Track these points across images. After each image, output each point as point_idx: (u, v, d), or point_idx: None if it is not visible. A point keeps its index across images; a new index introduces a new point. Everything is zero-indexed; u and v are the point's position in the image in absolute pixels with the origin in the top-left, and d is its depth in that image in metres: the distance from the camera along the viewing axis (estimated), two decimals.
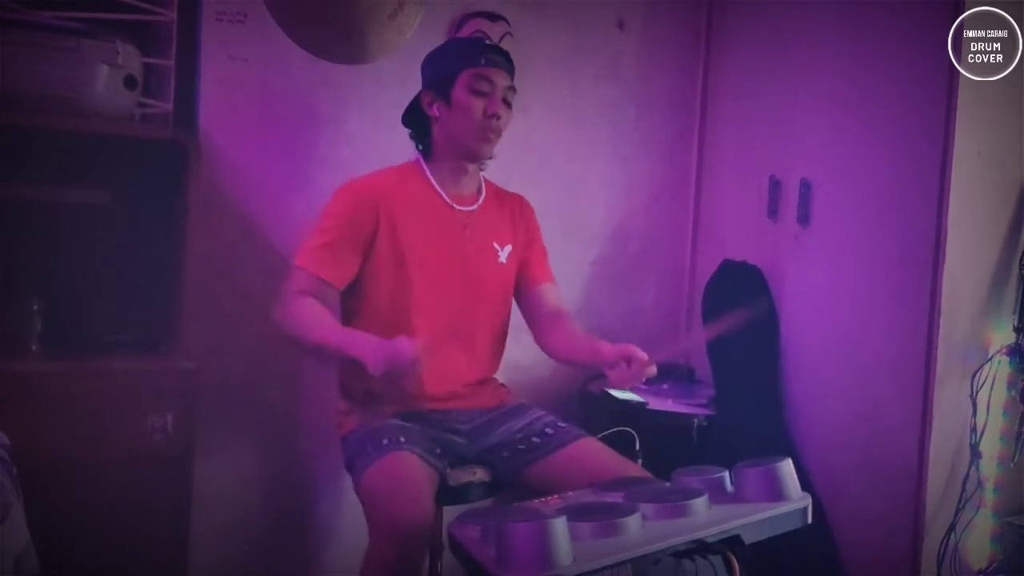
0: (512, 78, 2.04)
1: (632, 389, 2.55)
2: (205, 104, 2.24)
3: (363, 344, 1.80)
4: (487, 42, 2.13)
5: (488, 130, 2.00)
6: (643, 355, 1.86)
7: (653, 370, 1.88)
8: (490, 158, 2.09)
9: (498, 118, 2.00)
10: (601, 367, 1.93)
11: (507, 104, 2.02)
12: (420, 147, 2.09)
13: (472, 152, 2.04)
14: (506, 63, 2.03)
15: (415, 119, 2.08)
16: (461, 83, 1.98)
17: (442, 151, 2.06)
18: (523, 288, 2.16)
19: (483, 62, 1.99)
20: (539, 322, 2.15)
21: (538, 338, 2.15)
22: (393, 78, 2.35)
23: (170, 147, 2.10)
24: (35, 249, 2.12)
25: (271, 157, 2.33)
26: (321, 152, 2.38)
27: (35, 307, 2.04)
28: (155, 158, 2.11)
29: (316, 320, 1.89)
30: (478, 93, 1.98)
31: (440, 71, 2.02)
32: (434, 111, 2.02)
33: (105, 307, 2.15)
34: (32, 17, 1.98)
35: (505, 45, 2.44)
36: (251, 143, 2.30)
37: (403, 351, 1.72)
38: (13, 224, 2.08)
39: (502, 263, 2.10)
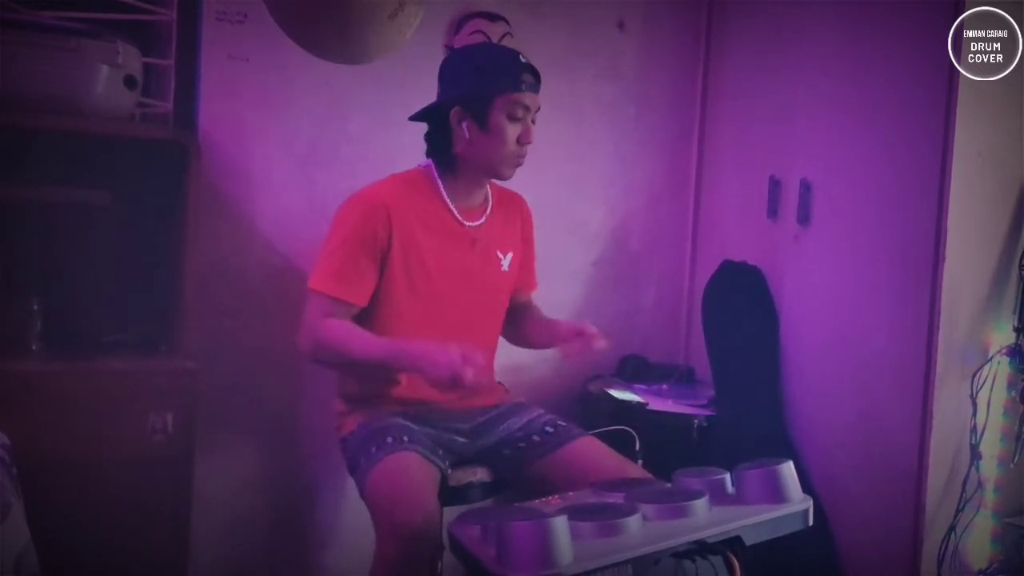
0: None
1: (629, 389, 2.57)
2: (205, 104, 2.24)
3: (421, 351, 1.81)
4: (522, 60, 1.95)
5: (520, 156, 1.97)
6: (593, 330, 1.96)
7: (602, 344, 1.97)
8: None
9: (530, 144, 1.97)
10: (556, 344, 2.05)
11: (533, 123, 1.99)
12: (435, 159, 2.03)
13: (499, 175, 2.01)
14: (537, 84, 1.95)
15: (435, 131, 2.01)
16: (499, 107, 1.91)
17: (463, 167, 2.00)
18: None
19: (523, 87, 1.92)
20: (510, 317, 2.17)
21: (504, 327, 2.18)
22: (393, 78, 2.36)
23: (170, 147, 2.10)
24: (35, 249, 2.12)
25: (271, 157, 2.32)
26: (321, 152, 2.38)
27: (35, 307, 2.04)
28: (155, 158, 2.11)
29: (351, 335, 1.89)
30: (514, 119, 1.93)
31: (475, 90, 1.93)
32: (464, 131, 1.94)
33: (105, 307, 2.15)
34: (32, 17, 1.97)
35: (505, 45, 2.45)
36: (251, 143, 2.30)
37: (457, 357, 1.75)
38: (13, 224, 2.08)
39: (504, 272, 2.10)
